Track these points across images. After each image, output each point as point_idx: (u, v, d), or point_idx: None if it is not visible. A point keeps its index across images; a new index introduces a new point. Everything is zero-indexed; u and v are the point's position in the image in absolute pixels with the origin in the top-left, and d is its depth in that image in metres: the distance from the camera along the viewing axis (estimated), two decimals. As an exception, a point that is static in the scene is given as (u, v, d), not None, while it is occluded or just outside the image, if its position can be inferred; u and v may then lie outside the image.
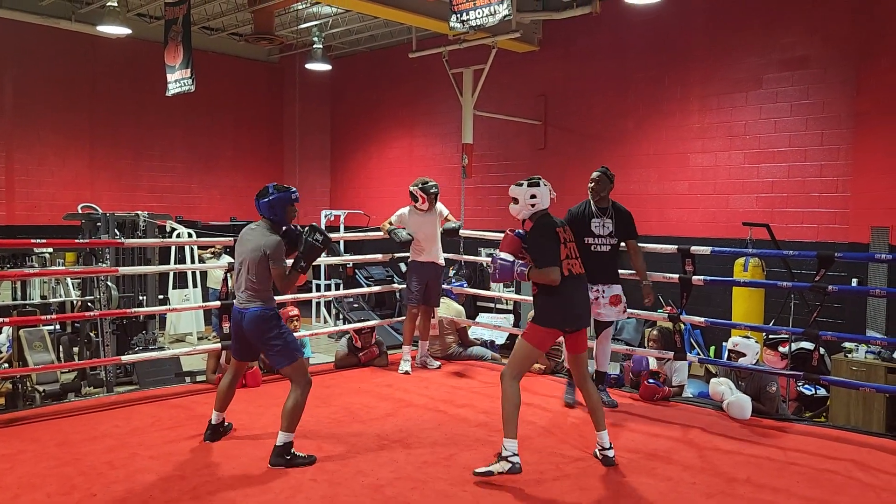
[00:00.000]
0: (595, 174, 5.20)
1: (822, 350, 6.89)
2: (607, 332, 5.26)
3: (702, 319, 5.61)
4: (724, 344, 8.45)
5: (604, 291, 5.05)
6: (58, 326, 7.98)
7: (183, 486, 3.59)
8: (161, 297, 9.35)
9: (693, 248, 5.34)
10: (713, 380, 5.28)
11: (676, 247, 5.43)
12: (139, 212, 8.75)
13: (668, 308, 8.14)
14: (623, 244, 5.19)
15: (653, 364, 5.69)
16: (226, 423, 4.47)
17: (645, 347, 6.45)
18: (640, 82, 9.96)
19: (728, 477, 3.87)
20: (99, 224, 8.30)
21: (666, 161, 9.72)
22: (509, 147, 11.58)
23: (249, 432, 4.51)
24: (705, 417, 5.01)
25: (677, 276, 5.35)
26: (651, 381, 5.42)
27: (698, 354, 8.48)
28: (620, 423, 4.85)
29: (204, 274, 11.34)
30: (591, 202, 5.14)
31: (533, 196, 4.08)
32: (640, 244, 5.27)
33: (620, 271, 5.23)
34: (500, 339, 9.24)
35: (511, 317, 10.35)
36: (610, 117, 10.28)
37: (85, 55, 11.98)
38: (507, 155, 11.64)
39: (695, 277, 5.28)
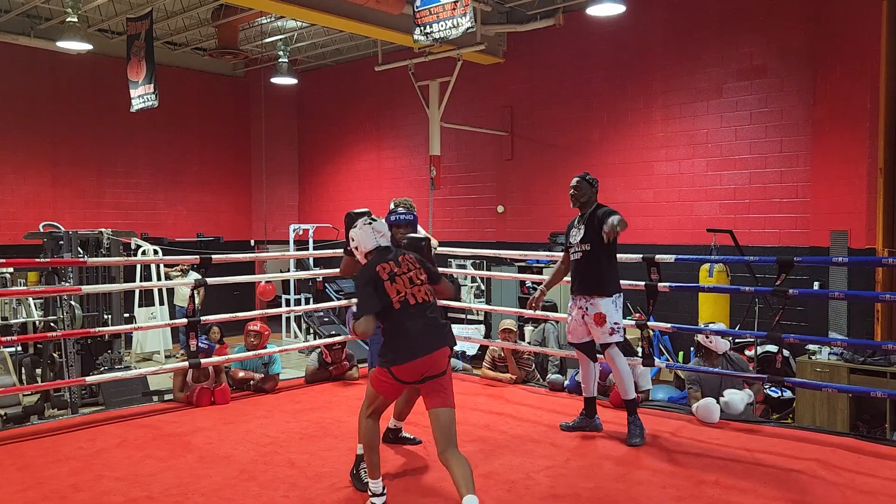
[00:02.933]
0: (574, 180, 4.83)
1: (785, 352, 7.02)
2: (610, 353, 4.67)
3: (669, 325, 5.69)
4: (692, 349, 8.60)
5: (587, 309, 4.66)
6: (19, 348, 7.81)
7: (151, 507, 3.53)
8: (127, 315, 9.20)
9: (657, 256, 5.41)
10: (728, 392, 5.12)
11: (641, 256, 5.50)
12: (103, 229, 8.62)
13: (637, 315, 8.24)
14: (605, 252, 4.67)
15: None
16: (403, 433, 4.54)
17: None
18: (604, 93, 10.11)
19: (697, 479, 3.92)
20: (61, 242, 8.16)
21: (631, 170, 9.86)
22: (476, 158, 11.65)
23: (219, 450, 4.45)
24: (674, 422, 5.07)
25: (643, 283, 5.42)
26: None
27: (667, 360, 8.59)
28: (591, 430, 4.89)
29: (171, 291, 11.19)
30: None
31: (352, 239, 3.76)
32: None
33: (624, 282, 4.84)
34: (471, 350, 9.26)
35: (482, 327, 10.38)
36: (575, 127, 10.41)
37: (45, 71, 11.80)
38: (475, 166, 11.71)
39: (660, 285, 5.35)
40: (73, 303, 7.67)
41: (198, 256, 5.76)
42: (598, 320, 4.60)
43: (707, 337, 5.40)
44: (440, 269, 8.02)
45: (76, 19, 9.50)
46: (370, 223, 3.72)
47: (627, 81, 9.88)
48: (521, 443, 4.64)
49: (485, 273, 9.02)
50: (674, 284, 5.52)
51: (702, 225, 8.79)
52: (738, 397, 5.08)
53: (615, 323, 4.62)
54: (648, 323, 5.49)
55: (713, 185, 9.14)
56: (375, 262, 3.63)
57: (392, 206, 6.32)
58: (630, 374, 4.70)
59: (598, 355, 4.90)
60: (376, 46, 11.39)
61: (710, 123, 9.15)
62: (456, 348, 8.99)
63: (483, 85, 11.34)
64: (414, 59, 10.44)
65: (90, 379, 6.13)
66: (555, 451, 4.43)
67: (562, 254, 5.11)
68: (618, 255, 4.94)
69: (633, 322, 5.74)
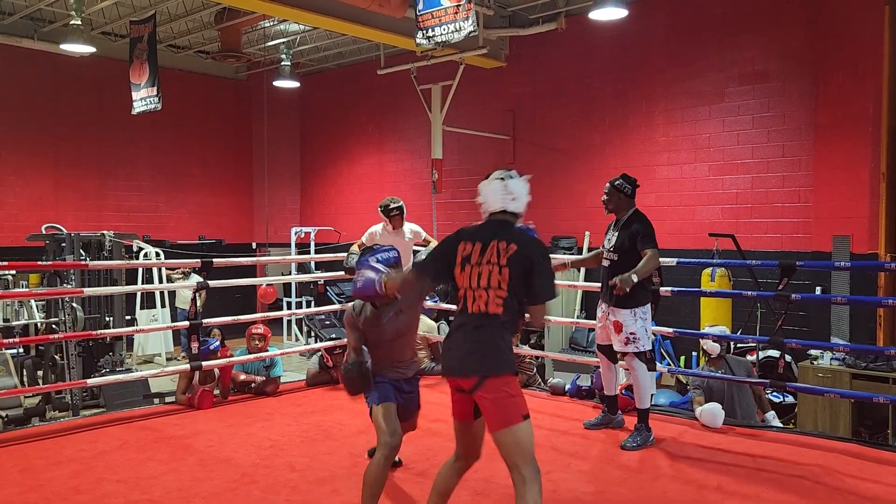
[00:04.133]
0: (606, 186, 4.86)
1: (787, 357, 7.01)
2: (628, 362, 4.70)
3: (671, 330, 5.68)
4: (693, 354, 8.59)
5: (609, 315, 4.71)
6: (21, 350, 7.81)
7: (152, 510, 3.53)
8: (128, 317, 9.19)
9: (659, 259, 5.40)
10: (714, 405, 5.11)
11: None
12: (105, 232, 8.61)
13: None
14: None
15: (623, 375, 5.73)
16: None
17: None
18: (606, 97, 10.11)
19: (699, 484, 3.91)
20: (63, 245, 8.15)
21: (632, 174, 9.59)
22: (479, 162, 11.65)
23: (220, 453, 4.45)
24: (676, 426, 5.06)
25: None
26: (625, 392, 5.46)
27: (668, 365, 8.57)
28: (592, 435, 4.88)
29: (172, 294, 11.19)
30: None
31: (479, 193, 3.20)
32: None
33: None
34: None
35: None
36: (577, 131, 10.41)
37: (48, 74, 11.82)
38: (477, 169, 11.69)
39: (662, 289, 5.34)
40: (74, 305, 7.67)
41: (199, 260, 5.77)
42: (616, 328, 4.67)
43: (705, 342, 5.41)
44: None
45: (79, 22, 9.51)
46: (504, 178, 3.09)
47: (629, 85, 9.88)
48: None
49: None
50: (676, 289, 5.53)
51: (704, 229, 8.78)
52: (718, 412, 5.01)
53: (631, 333, 4.61)
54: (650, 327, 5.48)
55: (715, 190, 9.13)
56: (462, 235, 3.06)
57: (381, 206, 6.36)
58: (647, 385, 4.70)
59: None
60: (379, 50, 11.40)
61: (712, 128, 9.15)
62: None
63: (485, 88, 11.34)
64: (416, 63, 10.45)
65: (91, 381, 6.13)
66: (556, 456, 4.42)
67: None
68: None
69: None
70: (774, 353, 6.84)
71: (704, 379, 5.40)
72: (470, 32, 7.67)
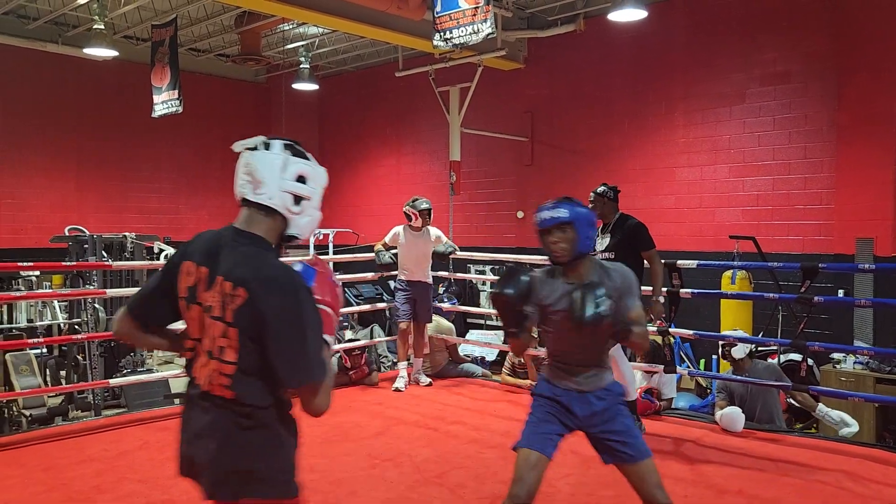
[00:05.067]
0: (592, 193, 5.05)
1: (810, 361, 6.92)
2: (613, 353, 4.81)
3: (691, 332, 5.64)
4: (713, 357, 8.51)
5: None
6: (45, 350, 7.91)
7: (173, 510, 3.56)
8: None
9: (679, 261, 5.38)
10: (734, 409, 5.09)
11: (663, 262, 5.46)
12: (127, 233, 8.72)
13: (659, 322, 8.18)
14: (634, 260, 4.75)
15: (641, 379, 5.70)
16: None
17: (632, 361, 6.46)
18: (625, 98, 10.06)
19: (720, 489, 3.88)
20: (86, 246, 8.26)
21: (652, 176, 9.80)
22: (497, 164, 11.64)
23: (240, 454, 4.47)
24: (696, 430, 5.03)
25: (665, 289, 5.38)
26: (645, 396, 5.44)
27: (688, 367, 8.51)
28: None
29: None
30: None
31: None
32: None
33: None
34: (491, 355, 9.23)
35: (501, 333, 10.35)
36: (595, 133, 10.37)
37: (72, 78, 11.98)
38: (495, 171, 11.70)
39: (682, 290, 5.32)
40: (97, 305, 7.76)
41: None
42: None
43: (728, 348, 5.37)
44: (460, 275, 8.05)
45: (102, 26, 9.64)
46: (256, 147, 2.05)
47: (649, 87, 9.83)
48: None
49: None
50: (696, 291, 5.49)
51: (724, 231, 8.70)
52: (738, 416, 4.98)
53: None
54: (670, 330, 5.46)
55: (735, 192, 9.05)
56: (192, 245, 2.05)
57: (411, 201, 6.37)
58: (632, 375, 4.85)
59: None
60: (397, 52, 11.43)
61: (732, 129, 9.07)
62: (475, 354, 9.00)
63: (503, 90, 11.33)
64: (434, 65, 10.46)
65: (113, 381, 6.21)
66: (575, 459, 4.40)
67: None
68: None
69: (655, 328, 5.70)
70: (796, 356, 6.78)
71: (727, 383, 5.36)
72: (488, 34, 7.67)
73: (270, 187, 1.91)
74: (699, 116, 9.34)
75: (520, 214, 11.14)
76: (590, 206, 4.94)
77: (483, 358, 8.86)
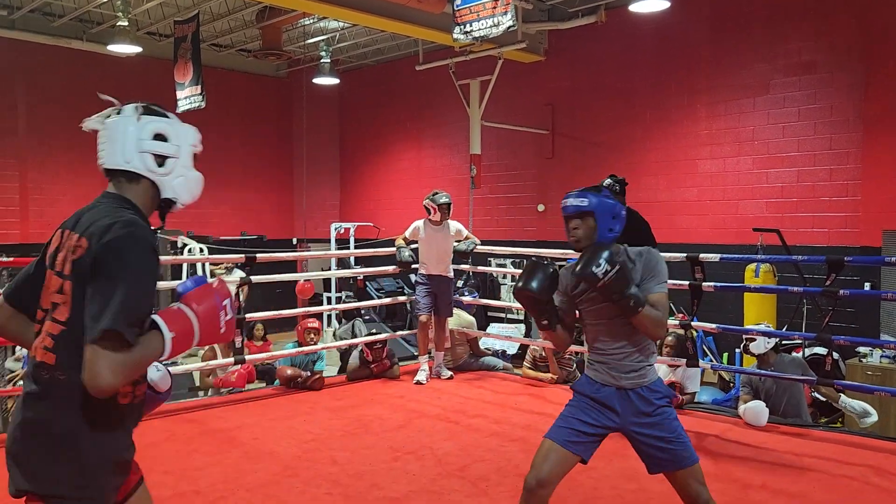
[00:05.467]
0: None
1: (835, 355, 6.83)
2: None
3: (714, 326, 5.60)
4: (737, 351, 8.44)
5: None
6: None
7: (198, 502, 3.61)
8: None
9: (702, 255, 5.33)
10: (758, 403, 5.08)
11: (685, 255, 5.42)
12: (151, 228, 8.82)
13: (680, 315, 8.12)
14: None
15: (665, 373, 5.67)
16: None
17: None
18: (647, 90, 9.98)
19: (743, 483, 3.85)
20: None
21: (674, 168, 9.72)
22: (517, 157, 11.61)
23: (263, 446, 4.53)
24: (720, 424, 4.99)
25: (687, 283, 5.34)
26: (667, 390, 5.40)
27: (711, 361, 8.45)
28: (634, 432, 4.84)
29: (216, 288, 11.38)
30: None
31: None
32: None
33: None
34: (512, 349, 9.23)
35: (522, 327, 10.34)
36: (617, 125, 10.30)
37: (96, 74, 12.10)
38: (516, 164, 11.67)
39: (704, 284, 5.27)
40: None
41: (243, 255, 5.87)
42: None
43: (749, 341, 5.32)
44: (480, 268, 8.05)
45: (126, 23, 9.75)
46: (110, 116, 1.98)
47: (671, 78, 9.73)
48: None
49: (525, 272, 8.99)
50: (719, 284, 5.43)
51: (747, 224, 8.61)
52: (762, 410, 4.95)
53: None
54: (692, 323, 5.42)
55: (759, 184, 8.95)
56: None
57: (431, 194, 6.37)
58: None
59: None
60: (417, 46, 11.42)
61: (756, 120, 8.96)
62: (496, 347, 9.00)
63: (524, 83, 11.29)
64: (454, 58, 10.44)
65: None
66: (597, 452, 4.39)
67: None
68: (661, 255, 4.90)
69: (677, 322, 5.67)
70: (821, 350, 6.71)
71: (751, 377, 5.31)
72: (509, 27, 7.64)
73: (127, 150, 1.80)
74: (722, 108, 9.24)
75: (540, 208, 11.11)
76: None
77: (504, 351, 8.86)
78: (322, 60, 11.98)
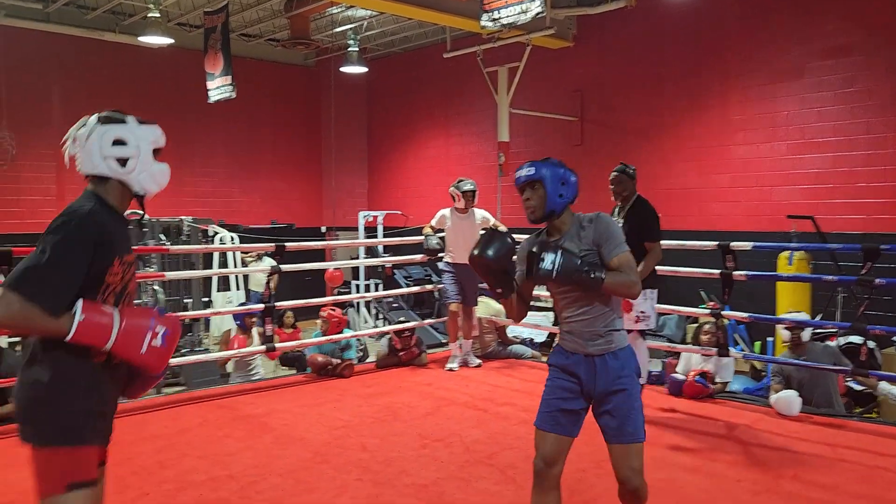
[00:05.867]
0: (612, 173, 4.87)
1: (871, 344, 6.71)
2: (633, 340, 4.58)
3: (745, 315, 5.53)
4: (769, 340, 8.32)
5: None
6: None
7: (231, 486, 3.68)
8: (205, 299, 9.54)
9: (733, 244, 5.27)
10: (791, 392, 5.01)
11: (717, 243, 5.36)
12: (183, 217, 8.95)
13: (712, 304, 8.02)
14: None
15: (698, 361, 5.62)
16: None
17: (687, 344, 6.37)
18: (678, 75, 9.83)
19: (775, 474, 3.81)
20: (146, 230, 8.51)
21: (706, 154, 9.57)
22: (545, 144, 11.53)
23: (294, 432, 4.59)
24: (752, 414, 4.94)
25: (718, 271, 5.28)
26: (698, 379, 5.36)
27: (743, 350, 8.34)
28: (663, 421, 4.81)
29: (246, 276, 11.53)
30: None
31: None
32: (680, 241, 5.15)
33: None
34: (540, 337, 9.21)
35: (550, 314, 10.31)
36: (647, 111, 10.17)
37: (129, 66, 12.28)
38: (544, 152, 11.50)
39: (736, 273, 5.21)
40: (156, 287, 8.01)
41: (273, 244, 5.93)
42: (626, 307, 4.64)
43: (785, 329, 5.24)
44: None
45: (157, 14, 9.86)
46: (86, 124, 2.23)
47: (703, 63, 9.57)
48: (592, 434, 4.59)
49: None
50: (751, 273, 5.36)
51: (781, 211, 8.47)
52: (794, 399, 4.88)
53: (641, 312, 4.70)
54: (723, 312, 5.37)
55: (794, 170, 8.78)
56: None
57: (455, 182, 6.38)
58: (646, 361, 4.88)
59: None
60: (445, 33, 11.38)
61: (790, 105, 8.78)
62: (524, 335, 8.99)
63: (552, 70, 11.19)
64: (482, 45, 10.38)
65: (172, 360, 6.38)
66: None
67: None
68: (686, 243, 4.94)
69: (708, 311, 5.61)
70: (857, 339, 6.58)
71: (783, 366, 5.24)
72: (537, 14, 7.57)
73: (94, 158, 2.11)
74: (756, 92, 9.07)
75: (569, 195, 11.02)
76: (612, 186, 4.86)
77: (532, 339, 8.85)
78: (350, 49, 11.99)
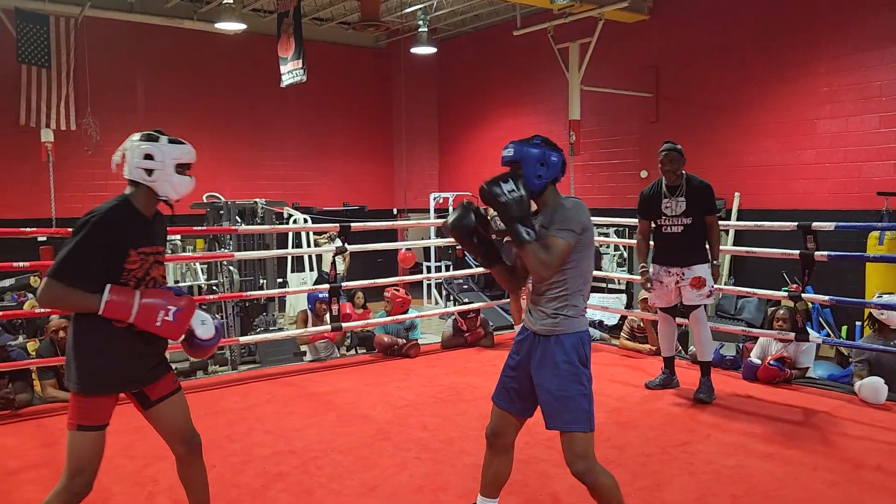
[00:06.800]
0: (662, 151, 4.79)
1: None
2: (697, 315, 4.80)
3: (827, 298, 5.23)
4: (857, 324, 7.88)
5: (683, 273, 4.71)
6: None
7: (294, 461, 3.75)
8: (280, 280, 9.77)
9: (814, 224, 4.98)
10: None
11: (796, 224, 5.09)
12: (258, 199, 9.17)
13: (794, 286, 7.66)
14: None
15: (775, 345, 5.37)
16: None
17: (764, 328, 6.10)
18: (760, 46, 9.35)
19: (855, 463, 3.60)
20: (221, 212, 8.77)
21: (790, 129, 9.10)
22: (619, 122, 11.23)
23: (357, 409, 4.64)
24: (833, 401, 4.69)
25: (798, 252, 5.01)
26: (774, 363, 5.12)
27: (827, 335, 7.93)
28: (736, 406, 4.63)
29: (320, 257, 11.75)
30: (663, 180, 4.81)
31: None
32: (758, 222, 4.98)
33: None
34: (611, 320, 9.02)
35: (623, 297, 10.08)
36: (727, 85, 9.73)
37: (205, 52, 12.63)
38: (617, 130, 11.29)
39: (817, 253, 4.93)
40: (231, 268, 8.25)
41: (338, 225, 6.00)
42: (695, 283, 4.69)
43: (881, 312, 4.92)
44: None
45: (232, 1, 10.07)
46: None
47: (787, 32, 9.06)
48: (659, 416, 4.47)
49: (627, 241, 8.73)
50: (833, 253, 5.07)
51: (871, 188, 7.98)
52: (881, 386, 4.60)
53: (712, 286, 4.74)
54: (804, 295, 5.10)
55: (886, 144, 8.22)
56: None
57: None
58: (710, 338, 4.84)
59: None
60: (515, 11, 11.20)
61: (883, 75, 8.22)
62: (594, 317, 8.81)
63: (626, 44, 10.85)
64: (553, 22, 10.16)
65: (244, 339, 6.57)
66: (694, 426, 4.24)
67: (638, 222, 5.11)
68: (764, 224, 4.82)
69: (787, 293, 5.34)
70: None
71: (870, 352, 4.94)
72: (609, -15, 7.33)
73: (129, 166, 2.57)
74: (845, 62, 8.54)
75: (643, 174, 10.72)
76: (666, 166, 4.75)
77: (601, 322, 8.67)
78: (420, 30, 11.96)
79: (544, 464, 3.64)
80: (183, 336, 2.73)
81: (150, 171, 2.55)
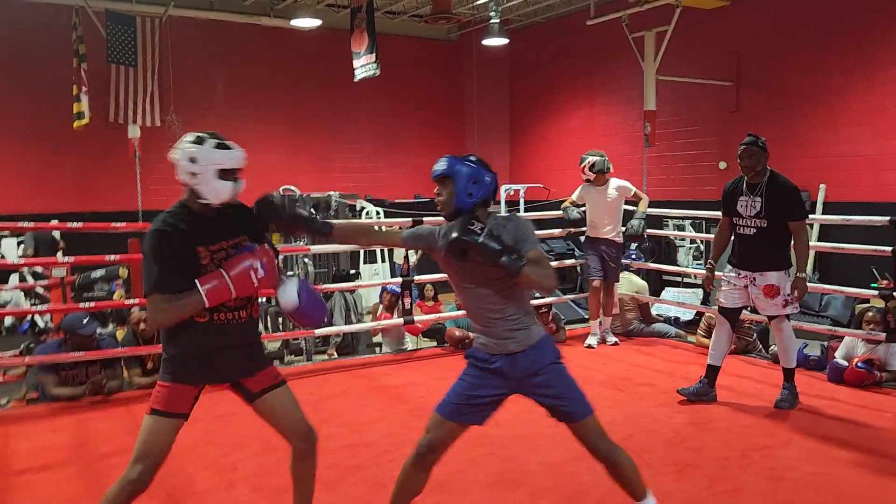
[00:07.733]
0: (742, 144, 4.44)
1: None
2: (779, 324, 4.48)
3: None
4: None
5: (754, 279, 4.40)
6: (265, 299, 8.76)
7: (367, 454, 3.82)
8: (353, 272, 9.94)
9: (908, 218, 4.73)
10: None
11: (888, 218, 4.83)
12: (331, 192, 9.34)
13: (887, 283, 7.28)
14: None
15: (863, 347, 5.13)
16: None
17: (851, 327, 5.83)
18: (848, 30, 8.89)
19: (952, 477, 3.41)
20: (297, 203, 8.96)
21: (881, 117, 8.63)
22: (696, 111, 10.90)
23: (429, 403, 4.67)
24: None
25: (890, 248, 4.77)
26: (861, 365, 4.89)
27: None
28: (820, 410, 4.45)
29: (392, 250, 11.87)
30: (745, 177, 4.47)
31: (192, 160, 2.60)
32: (845, 216, 4.72)
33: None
34: (688, 315, 8.79)
35: (700, 292, 9.81)
36: (813, 72, 9.31)
37: (282, 48, 12.92)
38: (694, 120, 10.97)
39: (912, 249, 4.68)
40: (306, 260, 8.44)
41: (411, 219, 6.05)
42: (768, 292, 4.34)
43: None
44: (654, 231, 7.69)
45: (308, -2, 10.28)
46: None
47: (879, 12, 8.58)
48: (738, 419, 4.34)
49: (704, 235, 8.47)
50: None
51: (972, 179, 7.50)
52: None
53: (788, 295, 4.34)
54: (895, 293, 4.85)
55: None
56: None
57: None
58: (795, 346, 4.59)
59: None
60: (588, 0, 11.01)
61: None
62: (670, 314, 8.61)
63: (705, 32, 10.51)
64: (628, 10, 9.94)
65: (319, 331, 6.69)
66: (776, 431, 4.10)
67: (720, 218, 4.70)
68: (855, 217, 4.53)
69: (877, 292, 5.10)
70: None
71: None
72: (686, -28, 7.11)
73: (178, 168, 2.62)
74: (944, 45, 8.04)
75: (722, 165, 10.40)
76: (745, 161, 4.41)
77: (677, 318, 8.47)
78: (492, 21, 11.89)
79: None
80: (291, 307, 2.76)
81: (193, 174, 2.60)
